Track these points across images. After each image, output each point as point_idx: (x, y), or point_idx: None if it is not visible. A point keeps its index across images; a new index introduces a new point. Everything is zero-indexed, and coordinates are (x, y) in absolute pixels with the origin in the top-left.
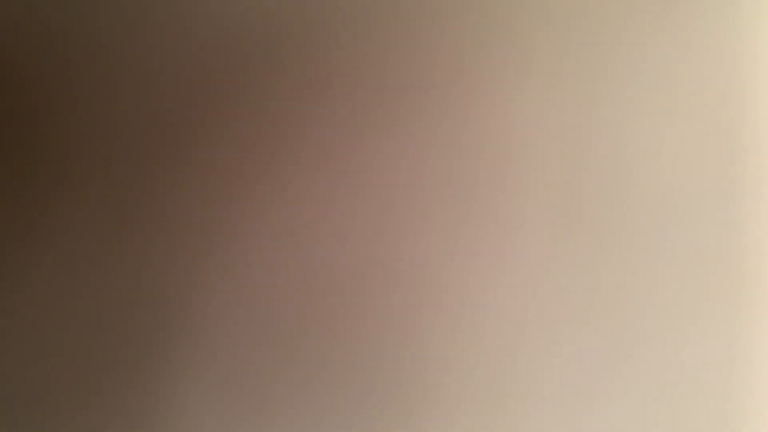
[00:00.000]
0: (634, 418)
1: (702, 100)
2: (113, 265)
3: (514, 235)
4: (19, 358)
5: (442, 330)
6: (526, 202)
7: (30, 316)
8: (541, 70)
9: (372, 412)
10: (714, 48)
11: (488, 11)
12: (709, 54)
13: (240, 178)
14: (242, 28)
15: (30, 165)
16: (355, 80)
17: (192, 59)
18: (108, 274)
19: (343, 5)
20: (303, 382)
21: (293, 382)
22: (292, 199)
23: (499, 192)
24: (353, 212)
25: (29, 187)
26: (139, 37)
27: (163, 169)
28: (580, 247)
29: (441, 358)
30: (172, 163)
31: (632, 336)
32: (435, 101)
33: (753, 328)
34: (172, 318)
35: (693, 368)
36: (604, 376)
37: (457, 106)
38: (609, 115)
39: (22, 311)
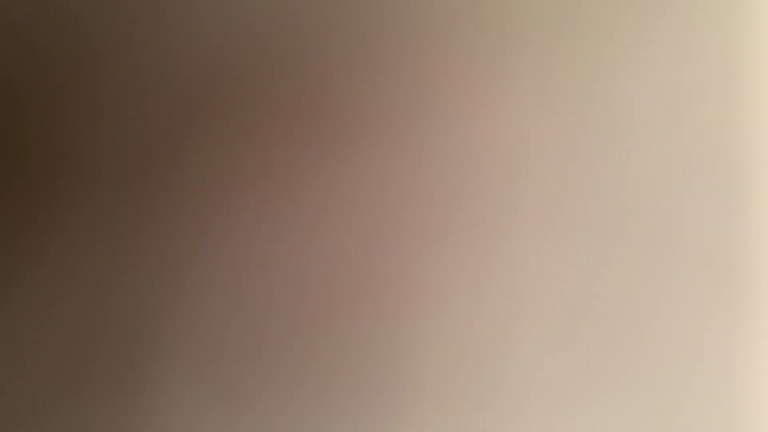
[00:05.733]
0: (628, 418)
1: (700, 99)
2: (106, 264)
3: (504, 237)
4: (13, 355)
5: (431, 330)
6: (517, 204)
7: (22, 312)
8: (534, 71)
9: (359, 410)
10: (712, 47)
11: (478, 12)
12: (708, 53)
13: (231, 185)
14: (239, 35)
15: (25, 169)
16: (347, 87)
17: (187, 66)
18: (101, 273)
19: (333, 18)
20: (294, 382)
21: (283, 381)
22: (285, 202)
23: (490, 194)
24: (343, 215)
25: (23, 190)
26: (137, 43)
27: (157, 173)
28: (572, 249)
29: (430, 358)
30: (165, 167)
31: (628, 335)
32: (426, 106)
33: (753, 328)
34: (164, 315)
35: (691, 368)
36: (598, 376)
37: (449, 110)
38: (604, 117)
39: (15, 308)
